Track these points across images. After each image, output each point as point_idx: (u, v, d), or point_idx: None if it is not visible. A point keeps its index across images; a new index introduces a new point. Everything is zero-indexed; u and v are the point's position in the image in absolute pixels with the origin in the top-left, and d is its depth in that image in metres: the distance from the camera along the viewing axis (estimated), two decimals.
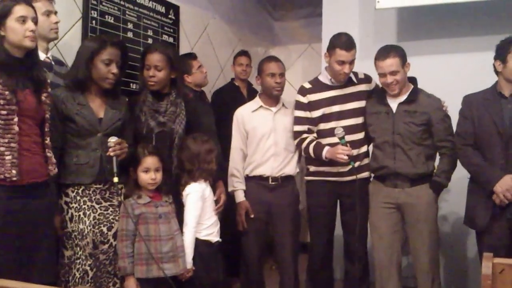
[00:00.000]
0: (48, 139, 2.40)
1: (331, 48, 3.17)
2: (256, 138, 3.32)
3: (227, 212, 3.32)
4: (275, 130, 3.31)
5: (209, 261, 2.84)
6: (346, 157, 3.02)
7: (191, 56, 3.85)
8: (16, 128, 2.23)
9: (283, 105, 3.39)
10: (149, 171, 2.70)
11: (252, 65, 4.51)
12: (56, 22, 2.81)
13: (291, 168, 3.34)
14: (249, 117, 3.36)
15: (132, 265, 2.60)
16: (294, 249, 3.35)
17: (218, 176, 3.10)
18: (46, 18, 2.75)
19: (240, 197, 3.33)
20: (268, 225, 3.37)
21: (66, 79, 2.70)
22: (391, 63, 2.99)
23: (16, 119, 2.23)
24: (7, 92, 2.20)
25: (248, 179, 3.36)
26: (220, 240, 2.93)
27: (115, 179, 2.53)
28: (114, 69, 2.65)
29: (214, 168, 2.90)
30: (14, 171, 2.20)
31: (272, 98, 3.36)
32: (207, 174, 2.87)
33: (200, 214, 2.82)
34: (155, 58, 2.96)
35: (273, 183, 3.31)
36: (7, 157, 2.19)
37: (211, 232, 2.88)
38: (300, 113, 3.29)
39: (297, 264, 3.40)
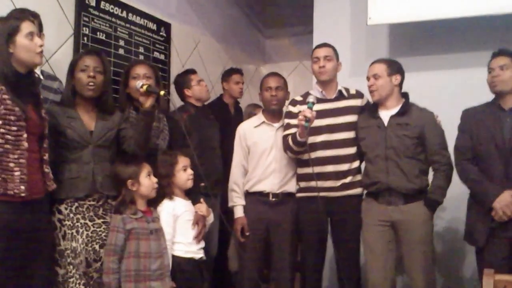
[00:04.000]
0: (47, 155, 2.40)
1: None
2: (257, 153, 3.30)
3: (224, 228, 3.26)
4: (277, 146, 3.29)
5: (191, 278, 2.80)
6: (302, 117, 2.92)
7: (190, 71, 3.82)
8: (26, 144, 2.24)
9: None
10: (151, 175, 2.73)
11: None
12: None
13: (293, 185, 3.31)
14: (250, 132, 3.35)
15: (117, 281, 2.56)
16: (291, 267, 3.31)
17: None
18: None
19: (238, 213, 3.30)
20: (267, 242, 3.32)
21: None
22: (375, 67, 3.07)
23: (25, 135, 2.24)
24: (17, 109, 2.21)
25: (248, 195, 3.33)
26: (203, 257, 2.88)
27: (162, 92, 2.72)
28: (91, 72, 2.66)
29: (169, 185, 2.85)
30: (22, 187, 2.21)
31: (274, 113, 3.35)
32: (164, 191, 2.84)
33: (170, 231, 2.78)
34: (144, 68, 3.05)
35: (274, 199, 3.28)
36: (16, 173, 2.20)
37: (191, 250, 2.83)
38: (289, 121, 3.25)
39: (293, 282, 3.37)
